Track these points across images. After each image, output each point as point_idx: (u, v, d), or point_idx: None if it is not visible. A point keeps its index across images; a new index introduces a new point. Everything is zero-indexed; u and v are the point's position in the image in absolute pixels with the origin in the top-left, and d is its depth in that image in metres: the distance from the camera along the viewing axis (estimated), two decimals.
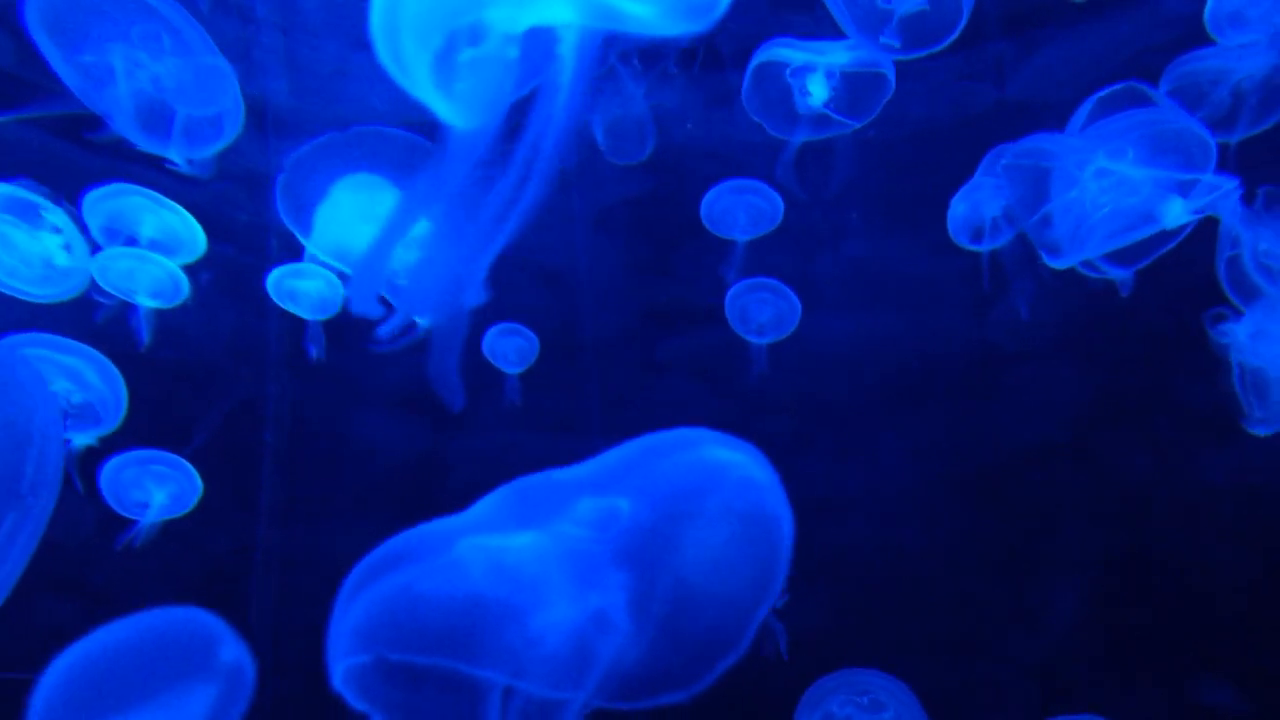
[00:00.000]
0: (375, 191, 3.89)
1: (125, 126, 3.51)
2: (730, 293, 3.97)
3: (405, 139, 3.80)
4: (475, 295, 1.98)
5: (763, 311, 3.89)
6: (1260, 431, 3.22)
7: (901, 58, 3.47)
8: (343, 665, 1.71)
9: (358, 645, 1.69)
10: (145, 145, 3.53)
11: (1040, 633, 3.76)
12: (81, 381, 3.35)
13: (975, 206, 4.17)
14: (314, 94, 4.07)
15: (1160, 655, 3.69)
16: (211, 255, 3.85)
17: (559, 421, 4.41)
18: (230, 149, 3.52)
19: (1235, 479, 3.59)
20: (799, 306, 3.91)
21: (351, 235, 3.94)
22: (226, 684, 1.74)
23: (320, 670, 1.72)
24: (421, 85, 1.77)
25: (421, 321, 4.00)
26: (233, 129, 3.63)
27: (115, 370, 3.42)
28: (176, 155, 3.57)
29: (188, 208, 3.69)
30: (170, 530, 3.57)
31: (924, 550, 3.92)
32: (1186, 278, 3.38)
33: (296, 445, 4.23)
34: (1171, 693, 3.64)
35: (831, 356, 4.08)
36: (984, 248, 4.18)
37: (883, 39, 3.48)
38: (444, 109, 1.79)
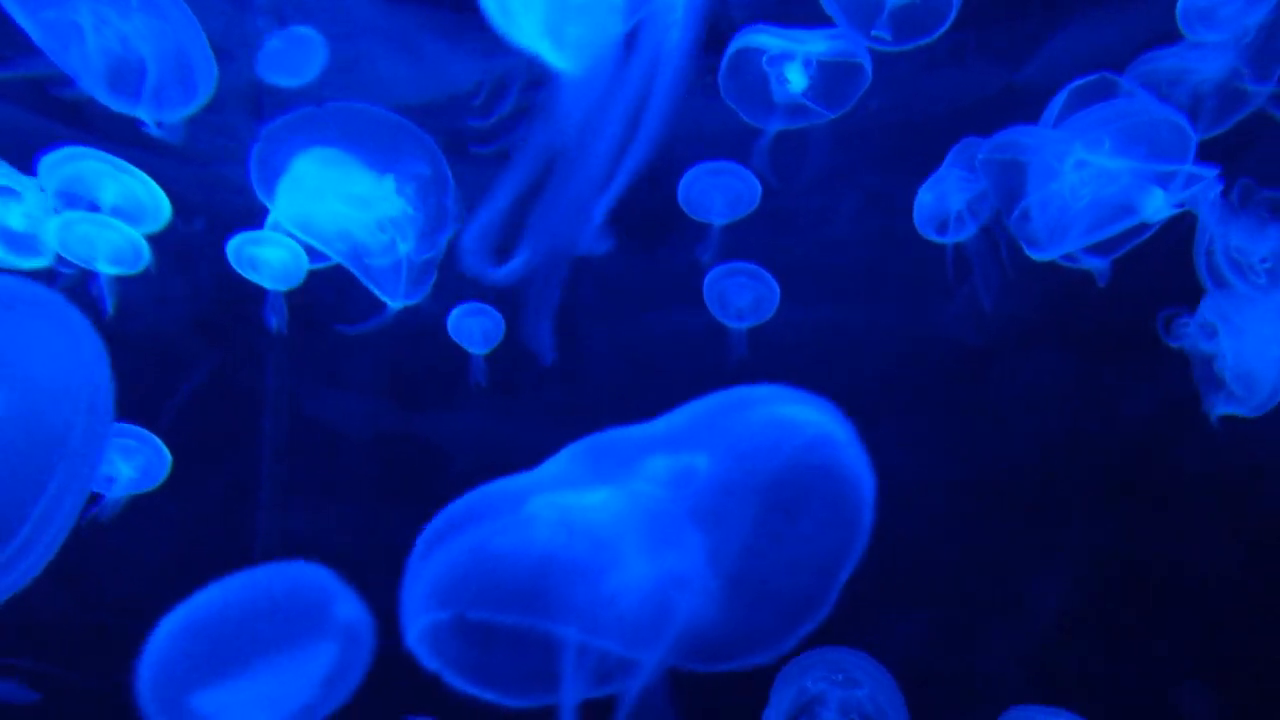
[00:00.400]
0: (342, 167, 3.80)
1: (93, 86, 3.38)
2: (709, 277, 3.97)
3: (386, 118, 3.74)
4: (591, 244, 1.94)
5: (742, 296, 3.90)
6: (1237, 411, 3.33)
7: (891, 49, 3.51)
8: (419, 623, 1.66)
9: (436, 603, 1.65)
10: (114, 105, 3.40)
11: (1025, 620, 3.84)
12: None
13: (941, 197, 4.24)
14: (312, 80, 3.98)
15: (1147, 644, 3.80)
16: (178, 227, 3.71)
17: (528, 403, 4.36)
18: (226, 131, 3.42)
19: (1220, 467, 3.70)
20: (778, 291, 3.93)
21: (313, 208, 3.85)
22: (344, 643, 1.67)
23: None
24: (531, 32, 1.73)
25: (395, 303, 3.93)
26: (205, 91, 3.52)
27: None
28: (146, 116, 3.44)
29: (182, 188, 3.56)
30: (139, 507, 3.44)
31: (907, 539, 3.97)
32: (1167, 265, 3.48)
33: (260, 424, 4.11)
34: (1157, 681, 3.75)
35: (810, 343, 4.11)
36: (949, 239, 4.24)
37: (874, 31, 3.51)
38: (555, 55, 1.75)
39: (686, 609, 1.65)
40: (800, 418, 1.73)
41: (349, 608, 1.62)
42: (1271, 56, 3.81)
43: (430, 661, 1.67)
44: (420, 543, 1.73)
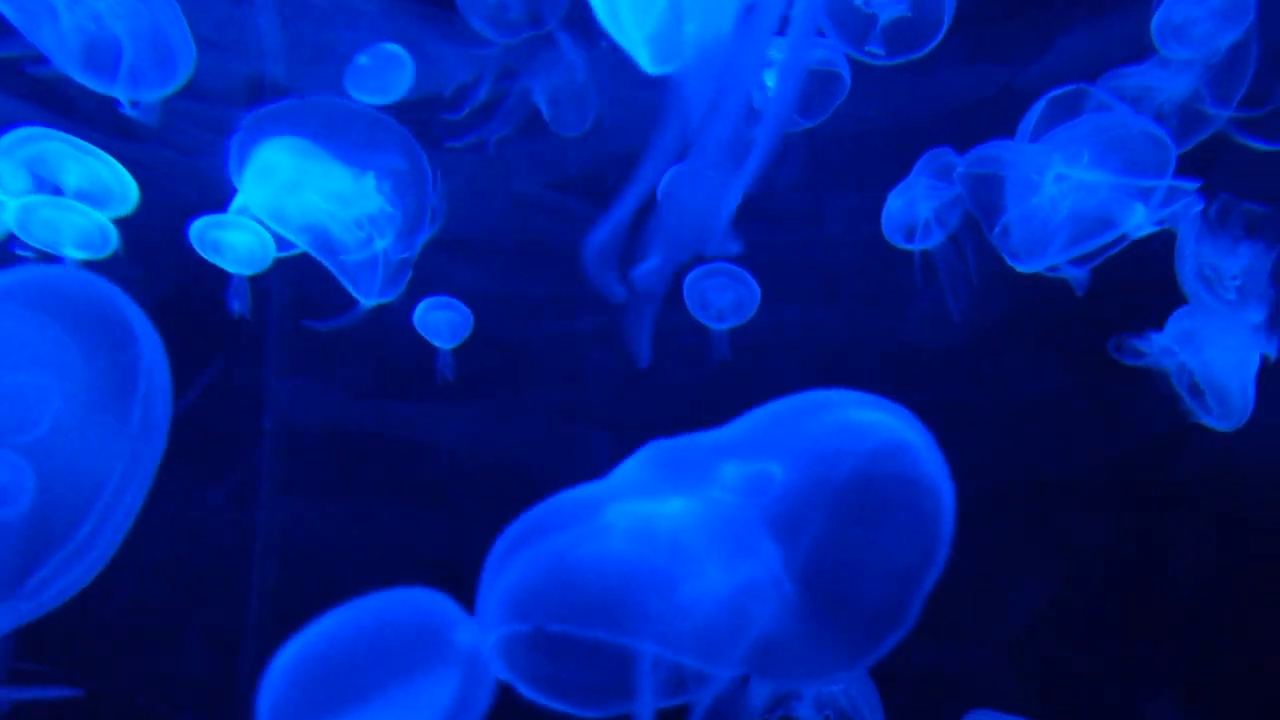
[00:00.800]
0: (320, 161, 3.72)
1: (67, 64, 3.25)
2: (689, 277, 3.96)
3: (367, 113, 3.68)
4: (719, 243, 1.91)
5: (722, 296, 3.89)
6: (1216, 426, 3.44)
7: (884, 63, 3.54)
8: (494, 636, 1.62)
9: (513, 615, 1.61)
10: (89, 84, 3.27)
11: (1004, 622, 3.91)
12: None
13: (910, 204, 4.30)
14: (311, 74, 3.88)
15: (1130, 648, 3.89)
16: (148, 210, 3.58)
17: (501, 400, 4.31)
18: (220, 125, 3.33)
19: (1208, 472, 3.79)
20: (758, 292, 3.94)
21: (288, 199, 3.76)
22: (466, 671, 1.61)
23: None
24: (635, 33, 1.70)
25: (368, 300, 3.85)
26: (184, 71, 3.41)
27: None
28: (121, 95, 3.32)
29: (167, 179, 3.44)
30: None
31: None
32: (1151, 268, 3.54)
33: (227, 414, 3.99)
34: (1139, 687, 3.84)
35: (792, 344, 4.13)
36: (915, 246, 4.30)
37: (868, 47, 3.53)
38: (659, 57, 1.72)
39: (763, 619, 1.64)
40: (876, 423, 1.73)
41: (468, 632, 1.57)
42: (1233, 81, 3.92)
43: (502, 673, 1.63)
44: (494, 553, 1.68)
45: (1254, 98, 3.86)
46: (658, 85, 4.53)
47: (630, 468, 1.79)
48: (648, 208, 1.88)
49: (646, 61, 1.80)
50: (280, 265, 3.92)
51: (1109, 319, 3.66)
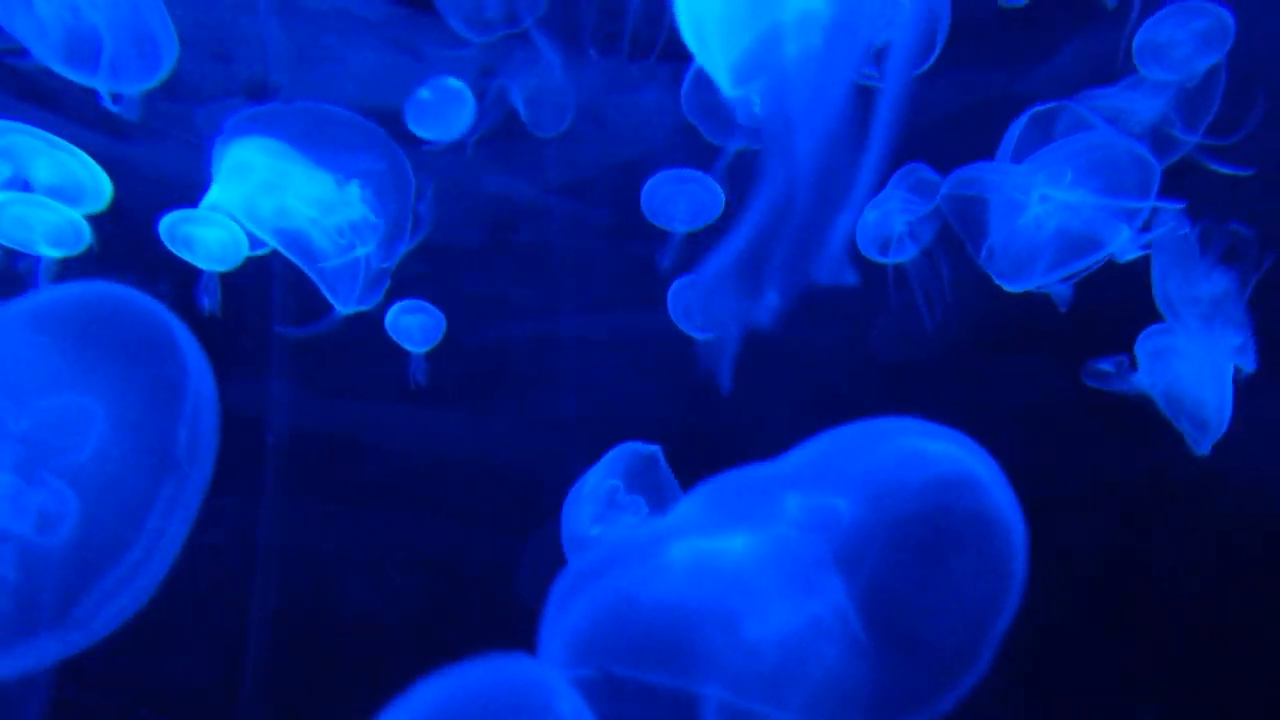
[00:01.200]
0: (303, 167, 3.64)
1: (47, 56, 3.13)
2: (673, 288, 3.94)
3: (353, 120, 3.61)
4: (834, 274, 1.87)
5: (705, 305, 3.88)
6: (1201, 440, 3.50)
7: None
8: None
9: (577, 658, 1.57)
10: (70, 76, 3.15)
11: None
12: None
13: (885, 218, 4.33)
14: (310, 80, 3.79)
15: (1114, 653, 3.95)
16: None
17: (474, 405, 4.25)
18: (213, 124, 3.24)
19: (1189, 480, 3.82)
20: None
21: (267, 202, 3.67)
22: None
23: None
24: (723, 59, 1.66)
25: (345, 308, 3.77)
26: (168, 63, 3.31)
27: None
28: (103, 89, 3.21)
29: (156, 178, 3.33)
30: None
31: None
32: (1130, 288, 3.58)
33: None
34: (1124, 692, 3.91)
35: (776, 356, 4.12)
36: (889, 260, 4.34)
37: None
38: (744, 82, 1.69)
39: (831, 660, 1.63)
40: (944, 455, 1.71)
41: (569, 702, 1.51)
42: (1202, 108, 4.00)
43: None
44: (555, 593, 1.64)
45: (1221, 124, 3.95)
46: (636, 90, 4.51)
47: (690, 504, 1.76)
48: (762, 239, 1.85)
49: (727, 83, 1.77)
50: (250, 265, 3.83)
51: (1093, 331, 3.70)
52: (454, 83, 3.82)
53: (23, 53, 3.04)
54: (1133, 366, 3.75)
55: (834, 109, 1.73)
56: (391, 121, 3.96)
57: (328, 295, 3.75)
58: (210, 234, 3.81)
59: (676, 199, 4.00)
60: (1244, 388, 3.50)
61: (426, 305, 4.26)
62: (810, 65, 1.69)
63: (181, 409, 1.61)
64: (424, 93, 3.77)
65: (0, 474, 1.60)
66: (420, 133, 3.82)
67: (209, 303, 3.87)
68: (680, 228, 4.04)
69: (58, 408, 1.61)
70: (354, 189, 3.56)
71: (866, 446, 1.74)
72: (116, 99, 3.18)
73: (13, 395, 1.60)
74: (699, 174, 4.01)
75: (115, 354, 1.63)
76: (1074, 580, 3.93)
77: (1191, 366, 3.60)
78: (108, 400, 1.61)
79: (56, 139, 3.43)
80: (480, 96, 4.25)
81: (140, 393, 1.63)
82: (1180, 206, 3.42)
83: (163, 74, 3.27)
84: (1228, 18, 3.77)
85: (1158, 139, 4.08)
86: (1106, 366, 3.76)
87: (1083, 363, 3.63)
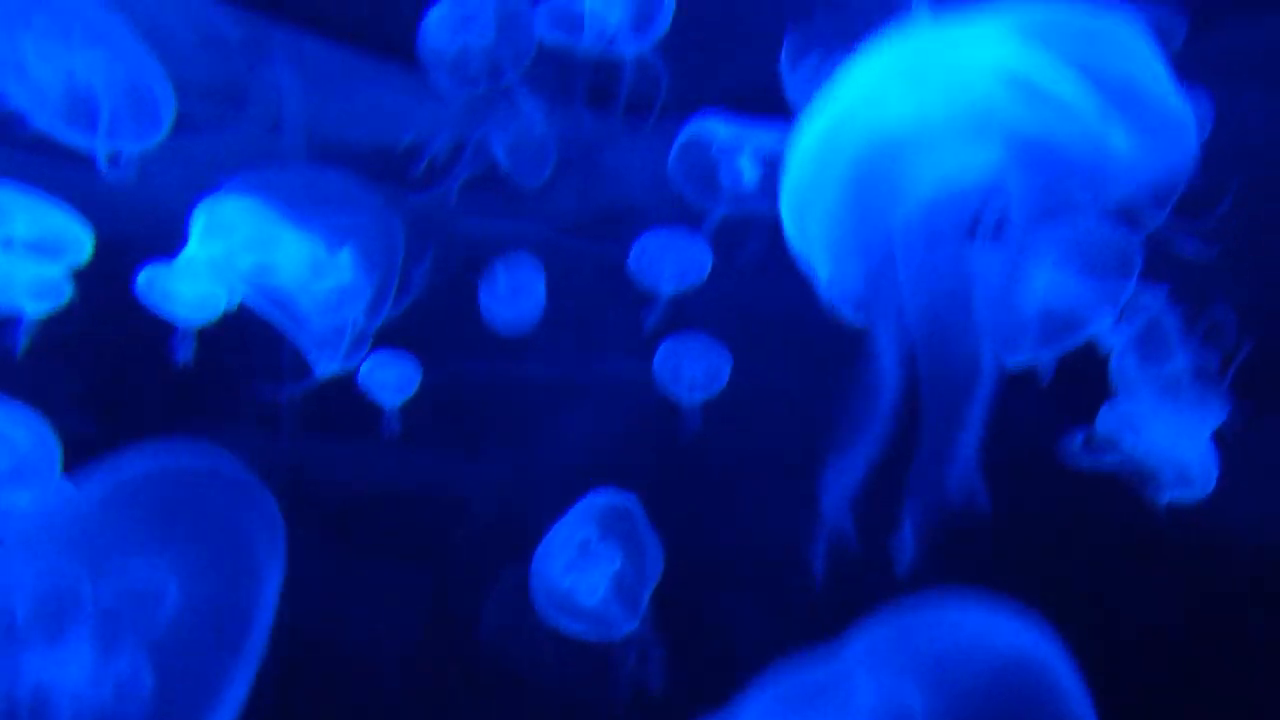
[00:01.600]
0: (291, 231, 3.60)
1: (45, 121, 3.04)
2: (661, 349, 3.96)
3: (346, 186, 3.58)
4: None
5: (695, 367, 3.91)
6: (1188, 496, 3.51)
7: None
8: None
9: None
10: (67, 139, 3.06)
11: None
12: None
13: None
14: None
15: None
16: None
17: (448, 450, 4.23)
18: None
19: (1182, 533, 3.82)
20: (730, 362, 3.97)
21: (252, 261, 3.62)
22: None
23: None
24: (827, 251, 1.67)
25: (326, 368, 3.73)
26: (166, 122, 3.24)
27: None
28: (101, 150, 3.13)
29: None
30: None
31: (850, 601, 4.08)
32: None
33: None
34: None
35: (762, 414, 4.15)
36: None
37: None
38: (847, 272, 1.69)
39: None
40: (1015, 641, 1.74)
41: None
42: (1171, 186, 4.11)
43: None
44: None
45: (1188, 204, 4.05)
46: (626, 146, 4.50)
47: (757, 702, 1.76)
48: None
49: (826, 282, 1.78)
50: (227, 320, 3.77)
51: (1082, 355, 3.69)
52: (530, 270, 3.85)
53: (19, 118, 2.94)
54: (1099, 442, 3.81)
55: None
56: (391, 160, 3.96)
57: (307, 357, 3.72)
58: (188, 287, 3.74)
59: (664, 259, 4.03)
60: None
61: (400, 357, 4.22)
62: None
63: (254, 616, 1.60)
64: (500, 271, 3.79)
65: (80, 644, 1.57)
66: (492, 316, 3.83)
67: (183, 355, 3.80)
68: (668, 287, 4.06)
69: (142, 579, 1.58)
70: (345, 255, 3.53)
71: (934, 633, 1.76)
72: (114, 160, 3.10)
73: (95, 567, 1.57)
74: (687, 234, 4.04)
75: (198, 536, 1.61)
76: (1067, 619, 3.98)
77: (1161, 425, 3.63)
78: (186, 584, 1.59)
79: (35, 191, 3.33)
80: (462, 149, 4.23)
81: (218, 587, 1.61)
82: (1163, 292, 3.48)
83: (161, 133, 3.20)
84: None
85: (1126, 216, 4.18)
86: (1077, 442, 3.80)
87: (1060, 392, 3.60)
